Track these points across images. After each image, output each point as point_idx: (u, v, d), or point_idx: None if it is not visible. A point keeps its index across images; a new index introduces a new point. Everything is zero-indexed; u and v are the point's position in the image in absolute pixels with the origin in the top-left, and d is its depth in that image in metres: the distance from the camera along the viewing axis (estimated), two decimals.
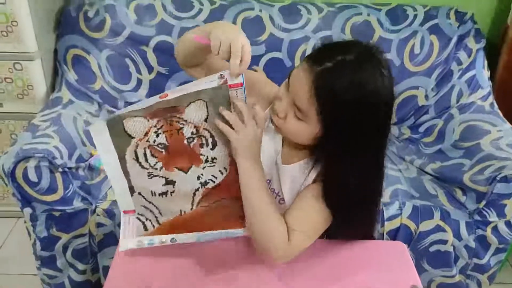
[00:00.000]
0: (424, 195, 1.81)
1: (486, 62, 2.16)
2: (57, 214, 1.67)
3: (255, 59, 2.13)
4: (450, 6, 2.19)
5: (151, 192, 1.08)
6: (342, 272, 1.18)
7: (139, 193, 1.08)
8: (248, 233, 1.12)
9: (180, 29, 2.11)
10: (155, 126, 1.01)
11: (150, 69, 2.15)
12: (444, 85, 2.16)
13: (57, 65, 2.11)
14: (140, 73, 2.15)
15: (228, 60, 0.98)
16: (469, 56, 2.14)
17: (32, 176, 1.57)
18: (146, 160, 1.04)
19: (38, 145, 1.60)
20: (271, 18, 2.13)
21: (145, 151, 1.03)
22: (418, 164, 2.00)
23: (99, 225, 1.69)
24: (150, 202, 1.09)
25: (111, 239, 1.71)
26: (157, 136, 1.02)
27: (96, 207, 1.70)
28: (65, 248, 1.74)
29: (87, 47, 2.09)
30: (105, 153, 1.03)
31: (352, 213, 1.11)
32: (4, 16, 1.84)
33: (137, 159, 1.04)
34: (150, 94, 2.17)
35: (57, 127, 1.75)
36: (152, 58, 2.13)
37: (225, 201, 1.10)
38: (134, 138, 1.02)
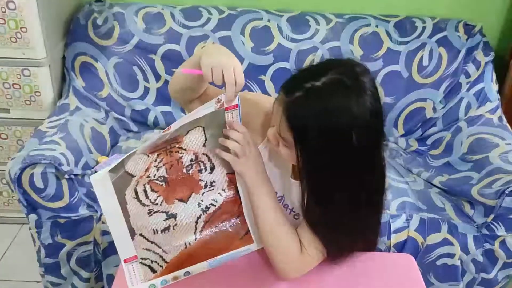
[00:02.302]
0: (431, 208, 1.79)
1: (494, 75, 2.15)
2: (62, 221, 1.66)
3: (263, 69, 2.13)
4: (459, 18, 2.19)
5: (153, 230, 1.06)
6: (350, 284, 1.17)
7: (141, 235, 1.05)
8: (259, 246, 1.12)
9: (188, 38, 2.11)
10: (155, 161, 1.01)
11: (157, 77, 2.15)
12: (452, 98, 2.14)
13: (65, 72, 2.11)
14: (148, 81, 2.15)
15: (222, 85, 0.98)
16: (478, 69, 2.13)
17: (38, 183, 1.57)
18: (147, 196, 1.03)
19: (44, 151, 1.60)
20: (279, 28, 2.13)
21: (145, 187, 1.02)
22: (425, 176, 1.98)
23: (104, 233, 1.68)
24: (152, 242, 1.07)
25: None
26: (158, 170, 1.02)
27: (101, 214, 1.69)
28: (69, 255, 1.73)
29: (95, 54, 2.10)
30: (105, 200, 1.00)
31: (336, 235, 1.10)
32: (13, 22, 1.84)
33: (137, 197, 1.02)
34: (157, 102, 2.17)
35: (64, 133, 1.75)
36: (160, 66, 2.13)
37: (226, 222, 1.11)
38: (135, 176, 1.01)
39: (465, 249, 1.70)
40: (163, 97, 2.16)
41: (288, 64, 2.13)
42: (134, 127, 2.18)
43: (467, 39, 2.14)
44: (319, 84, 0.95)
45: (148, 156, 1.01)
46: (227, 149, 1.05)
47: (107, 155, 1.94)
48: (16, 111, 2.02)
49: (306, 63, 2.12)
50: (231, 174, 1.08)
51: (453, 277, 1.75)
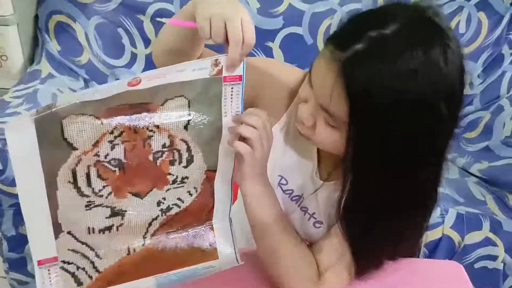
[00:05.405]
0: (469, 201, 1.69)
1: None
2: None
3: (270, 34, 1.99)
4: None
5: (88, 229, 0.82)
6: None
7: (69, 233, 0.81)
8: (224, 266, 0.94)
9: None
10: (111, 133, 0.76)
11: (146, 42, 2.02)
12: (493, 72, 2.02)
13: (37, 33, 2.00)
14: (135, 47, 2.03)
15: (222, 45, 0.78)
16: None
17: None
18: (89, 184, 0.78)
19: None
20: None
21: (89, 170, 0.77)
22: (460, 163, 1.90)
23: None
24: (83, 243, 0.83)
25: None
26: (112, 148, 0.77)
27: None
28: None
29: (73, 13, 1.97)
30: (22, 167, 0.74)
31: (379, 247, 0.96)
32: None
33: (74, 182, 0.78)
34: (146, 71, 1.96)
35: (31, 105, 1.66)
36: (149, 29, 1.99)
37: (189, 229, 0.91)
38: (77, 149, 0.75)
39: (509, 250, 1.58)
40: (152, 65, 1.90)
41: (300, 29, 1.98)
42: None
43: (511, 3, 2.01)
44: (388, 32, 0.73)
45: (102, 123, 0.75)
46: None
47: None
48: None
49: (322, 28, 1.96)
50: (212, 171, 0.87)
51: (493, 282, 1.63)
